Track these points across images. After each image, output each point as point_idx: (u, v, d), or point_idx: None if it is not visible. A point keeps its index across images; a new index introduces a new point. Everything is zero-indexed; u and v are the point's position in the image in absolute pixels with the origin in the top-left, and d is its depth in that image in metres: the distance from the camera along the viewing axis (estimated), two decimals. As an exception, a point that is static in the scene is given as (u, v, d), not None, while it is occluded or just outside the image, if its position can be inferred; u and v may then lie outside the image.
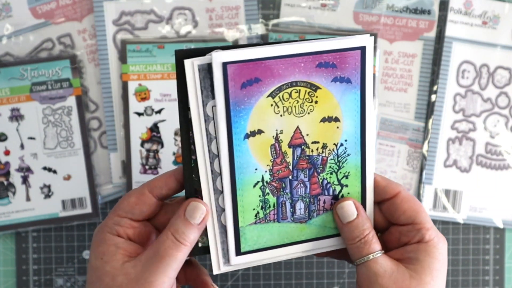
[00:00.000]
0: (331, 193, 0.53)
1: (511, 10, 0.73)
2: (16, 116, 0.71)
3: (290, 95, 0.49)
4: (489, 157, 0.74)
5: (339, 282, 0.75)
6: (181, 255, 0.48)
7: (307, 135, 0.51)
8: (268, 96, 0.49)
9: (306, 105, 0.50)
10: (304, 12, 0.73)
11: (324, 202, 0.53)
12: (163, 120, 0.72)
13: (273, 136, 0.50)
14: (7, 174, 0.72)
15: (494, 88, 0.74)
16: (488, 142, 0.74)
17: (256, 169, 0.50)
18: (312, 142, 0.51)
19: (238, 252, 0.51)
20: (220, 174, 0.50)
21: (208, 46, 0.71)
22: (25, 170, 0.72)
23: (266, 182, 0.51)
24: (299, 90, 0.49)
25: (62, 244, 0.73)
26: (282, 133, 0.50)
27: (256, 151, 0.50)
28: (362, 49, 0.50)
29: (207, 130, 0.49)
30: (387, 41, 0.73)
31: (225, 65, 0.47)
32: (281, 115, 0.49)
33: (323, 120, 0.51)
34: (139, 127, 0.72)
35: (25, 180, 0.72)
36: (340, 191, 0.53)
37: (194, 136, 0.49)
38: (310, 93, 0.50)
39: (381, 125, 0.74)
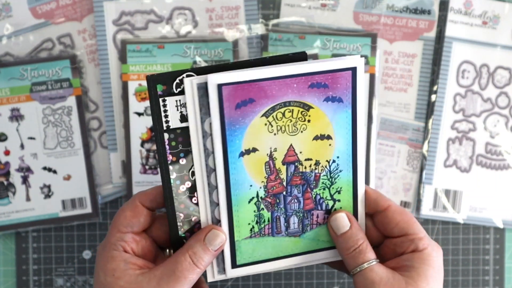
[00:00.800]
0: (324, 208, 0.54)
1: (511, 10, 0.73)
2: (16, 116, 0.71)
3: (283, 114, 0.50)
4: (489, 157, 0.74)
5: (339, 282, 0.75)
6: (195, 277, 0.50)
7: (300, 152, 0.52)
8: (262, 116, 0.50)
9: (299, 124, 0.51)
10: (304, 12, 0.73)
11: (318, 216, 0.54)
12: (163, 120, 0.72)
13: (267, 154, 0.51)
14: (7, 174, 0.72)
15: (494, 88, 0.74)
16: (488, 142, 0.74)
17: (251, 185, 0.51)
18: (305, 159, 0.52)
19: (234, 265, 0.53)
20: (217, 189, 0.51)
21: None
22: (25, 170, 0.72)
23: (261, 198, 0.52)
24: (292, 109, 0.51)
25: (62, 244, 0.73)
26: (276, 151, 0.51)
27: (250, 168, 0.51)
28: (353, 70, 0.51)
29: (204, 145, 0.50)
30: (387, 41, 0.73)
31: (220, 86, 0.48)
32: (274, 134, 0.51)
33: (316, 138, 0.52)
34: (139, 127, 0.72)
35: (25, 180, 0.72)
36: (332, 206, 0.54)
37: (192, 150, 0.50)
38: (303, 113, 0.51)
39: (381, 125, 0.74)
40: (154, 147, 0.72)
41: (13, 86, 0.71)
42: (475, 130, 0.74)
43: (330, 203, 0.54)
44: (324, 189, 0.53)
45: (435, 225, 0.75)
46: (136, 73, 0.72)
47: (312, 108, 0.51)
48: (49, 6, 0.72)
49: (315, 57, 0.72)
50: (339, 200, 0.54)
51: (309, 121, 0.51)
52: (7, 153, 0.72)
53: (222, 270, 0.53)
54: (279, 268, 0.55)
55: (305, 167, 0.52)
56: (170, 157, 0.51)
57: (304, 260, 0.55)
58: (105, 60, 0.72)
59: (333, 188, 0.54)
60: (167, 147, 0.50)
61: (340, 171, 0.53)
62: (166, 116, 0.50)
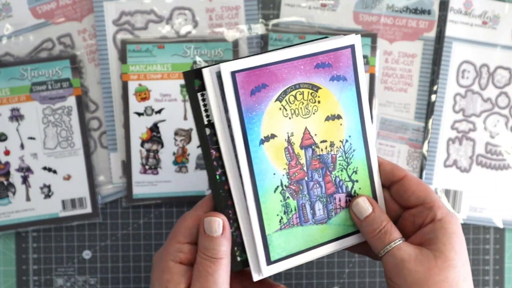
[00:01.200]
0: (344, 190, 0.55)
1: (511, 10, 0.73)
2: (16, 116, 0.71)
3: (295, 97, 0.52)
4: (489, 157, 0.74)
5: (339, 282, 0.75)
6: (221, 269, 0.50)
7: (315, 135, 0.53)
8: (276, 100, 0.51)
9: (310, 106, 0.52)
10: (304, 12, 0.73)
11: (340, 200, 0.55)
12: (163, 120, 0.72)
13: (285, 139, 0.52)
14: (7, 174, 0.72)
15: (494, 88, 0.74)
16: (488, 142, 0.74)
17: (274, 173, 0.52)
18: (321, 142, 0.53)
19: (269, 261, 0.53)
20: (241, 179, 0.51)
21: (208, 47, 0.72)
22: (25, 170, 0.72)
23: (285, 185, 0.52)
24: (303, 92, 0.52)
25: (62, 244, 0.73)
26: (292, 135, 0.52)
27: (272, 155, 0.51)
28: (352, 47, 0.53)
29: (231, 136, 0.50)
30: (387, 41, 0.73)
31: (233, 74, 0.49)
32: (289, 118, 0.52)
33: (327, 118, 0.53)
34: (139, 127, 0.72)
35: (25, 180, 0.72)
36: (352, 187, 0.55)
37: (219, 141, 0.50)
38: (313, 94, 0.52)
39: (381, 125, 0.74)
40: (154, 147, 0.72)
41: (13, 86, 0.71)
42: (475, 130, 0.74)
43: (349, 184, 0.55)
44: (341, 170, 0.54)
45: (435, 225, 0.75)
46: (136, 73, 0.72)
47: (320, 88, 0.53)
48: (49, 6, 0.72)
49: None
50: (357, 181, 0.55)
51: (319, 102, 0.53)
52: (7, 153, 0.72)
53: (258, 270, 0.52)
54: (312, 259, 0.55)
55: (322, 150, 0.53)
56: (213, 153, 0.50)
57: (334, 248, 0.55)
58: (105, 60, 0.72)
59: (349, 169, 0.55)
60: (209, 143, 0.50)
61: (354, 150, 0.55)
62: (206, 111, 0.50)
